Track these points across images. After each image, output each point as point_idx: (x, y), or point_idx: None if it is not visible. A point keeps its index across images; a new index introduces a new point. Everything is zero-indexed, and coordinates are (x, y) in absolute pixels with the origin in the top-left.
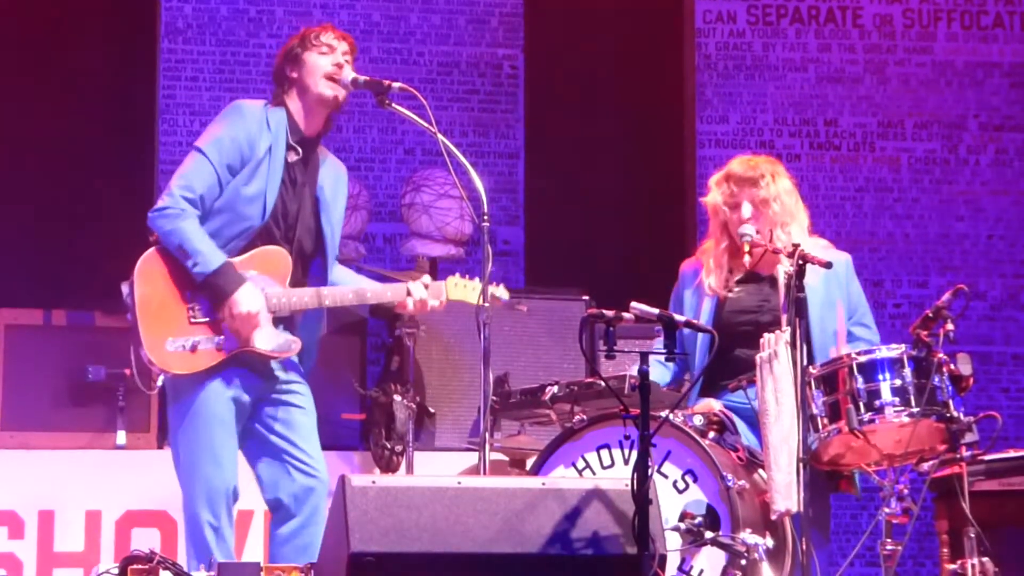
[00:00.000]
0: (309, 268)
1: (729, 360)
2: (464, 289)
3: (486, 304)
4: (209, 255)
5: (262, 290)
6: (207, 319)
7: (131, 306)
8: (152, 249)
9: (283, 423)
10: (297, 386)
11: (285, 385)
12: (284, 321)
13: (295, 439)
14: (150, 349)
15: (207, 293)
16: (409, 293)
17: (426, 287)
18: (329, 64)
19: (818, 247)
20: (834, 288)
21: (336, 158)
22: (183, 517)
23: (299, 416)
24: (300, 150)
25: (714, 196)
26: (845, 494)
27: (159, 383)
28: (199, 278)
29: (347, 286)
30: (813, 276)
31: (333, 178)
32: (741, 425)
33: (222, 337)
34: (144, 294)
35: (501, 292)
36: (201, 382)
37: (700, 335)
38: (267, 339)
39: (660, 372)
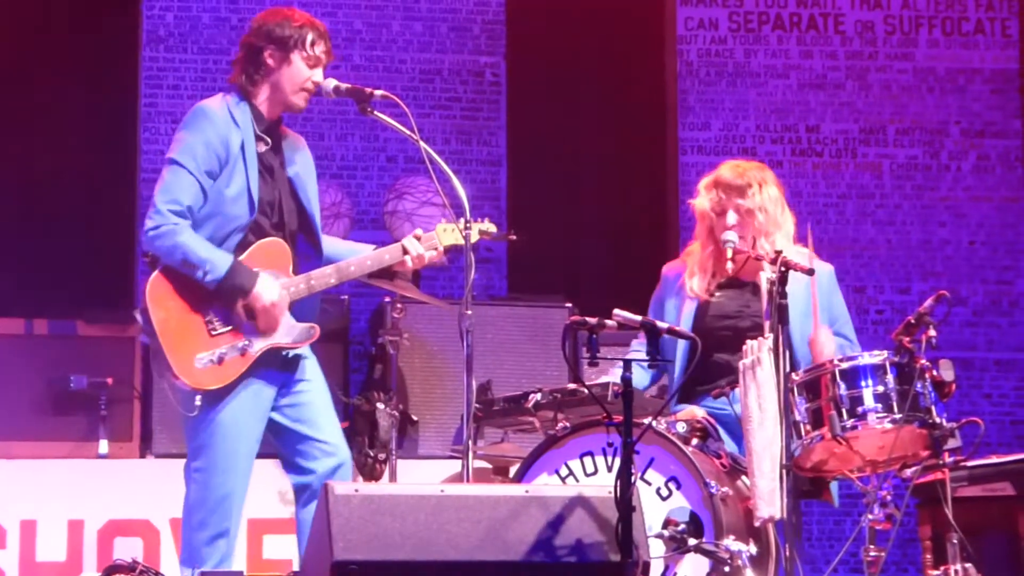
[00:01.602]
0: (296, 247)
1: (708, 365)
2: (454, 233)
3: (469, 312)
4: (217, 260)
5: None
6: (227, 328)
7: (151, 332)
8: (156, 272)
9: (299, 407)
10: (305, 362)
11: (299, 370)
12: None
13: (314, 420)
14: (181, 371)
15: (224, 298)
16: (406, 251)
17: (418, 238)
18: (310, 80)
19: (801, 256)
20: (816, 298)
21: (292, 131)
22: (184, 517)
23: (312, 397)
24: (268, 139)
25: (702, 201)
26: (820, 501)
27: (198, 402)
28: (212, 285)
29: (347, 260)
30: (796, 285)
31: (299, 153)
32: (722, 432)
33: (245, 342)
34: (161, 318)
35: (487, 226)
36: (225, 394)
37: (680, 340)
38: (286, 332)
39: (639, 376)
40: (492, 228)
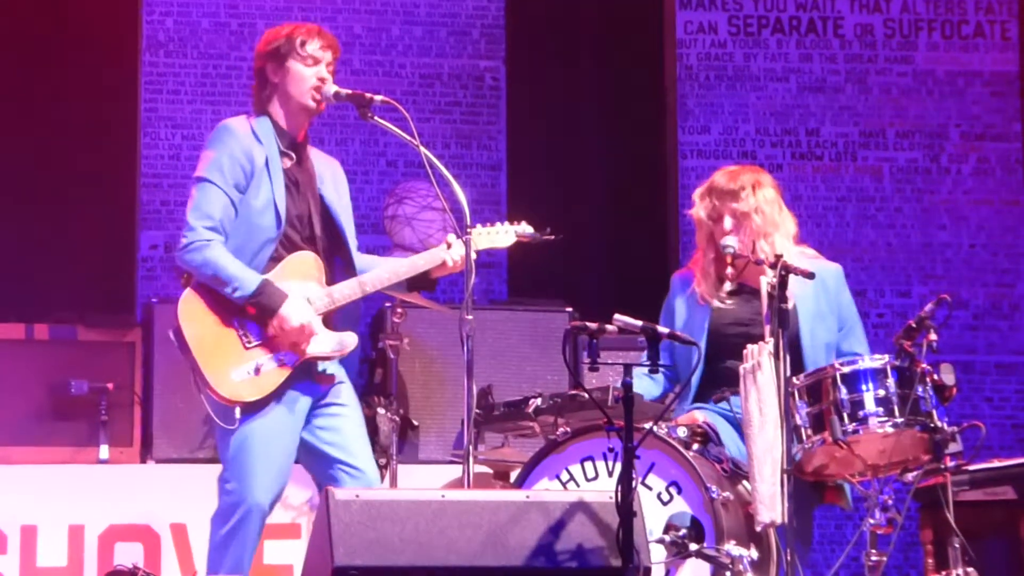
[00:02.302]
0: (334, 264)
1: (719, 370)
2: (489, 236)
3: (469, 316)
4: (245, 278)
5: (305, 298)
6: (261, 340)
7: (185, 349)
8: (187, 289)
9: (330, 431)
10: (341, 387)
11: (334, 391)
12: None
13: (343, 444)
14: (218, 386)
15: (256, 315)
16: (449, 245)
17: (449, 246)
18: (314, 77)
19: (805, 257)
20: (823, 299)
21: (325, 153)
22: (212, 528)
23: (345, 422)
24: (293, 154)
25: (698, 209)
26: (832, 505)
27: (237, 415)
28: (240, 302)
29: (382, 268)
30: (803, 287)
31: (330, 173)
32: (733, 432)
33: (282, 352)
34: (194, 334)
35: (524, 228)
36: (260, 407)
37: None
38: (323, 343)
39: (648, 385)
40: (529, 229)
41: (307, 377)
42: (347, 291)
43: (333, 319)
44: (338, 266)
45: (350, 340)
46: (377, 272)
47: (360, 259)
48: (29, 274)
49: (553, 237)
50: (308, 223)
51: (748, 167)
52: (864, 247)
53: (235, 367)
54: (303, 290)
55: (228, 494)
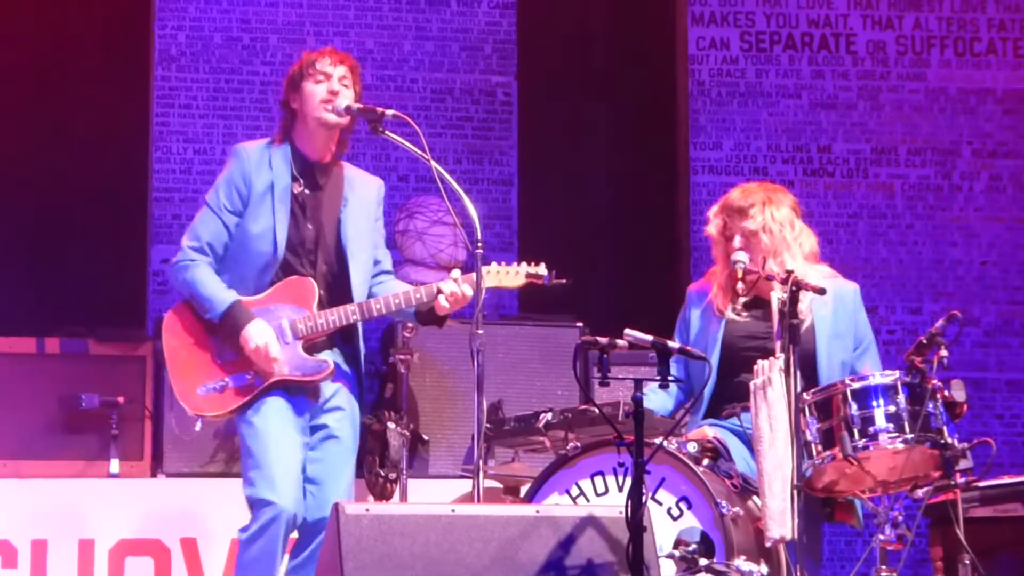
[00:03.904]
0: (348, 289)
1: (733, 385)
2: (499, 276)
3: (480, 331)
4: (217, 299)
5: (278, 321)
6: (235, 359)
7: (162, 361)
8: (177, 303)
9: (315, 453)
10: (338, 414)
11: (327, 406)
12: (319, 345)
13: (321, 474)
14: (183, 397)
15: (227, 335)
16: (439, 291)
17: (456, 281)
18: (324, 92)
19: (821, 274)
20: (842, 318)
21: (368, 175)
22: (243, 547)
23: (332, 448)
24: (303, 179)
25: (711, 226)
26: (842, 523)
27: (197, 428)
28: (215, 322)
29: (373, 299)
30: (823, 306)
31: (359, 195)
32: (743, 448)
33: (250, 374)
34: (171, 347)
35: (541, 270)
36: (246, 411)
37: (712, 360)
38: (295, 366)
39: (662, 400)
40: (544, 271)
41: (290, 392)
42: (331, 318)
43: (334, 342)
44: (344, 292)
45: (326, 366)
46: (369, 303)
47: (389, 284)
48: (40, 288)
49: (565, 281)
50: (313, 248)
51: (765, 184)
52: (875, 264)
53: (203, 383)
54: (291, 314)
55: (255, 513)
